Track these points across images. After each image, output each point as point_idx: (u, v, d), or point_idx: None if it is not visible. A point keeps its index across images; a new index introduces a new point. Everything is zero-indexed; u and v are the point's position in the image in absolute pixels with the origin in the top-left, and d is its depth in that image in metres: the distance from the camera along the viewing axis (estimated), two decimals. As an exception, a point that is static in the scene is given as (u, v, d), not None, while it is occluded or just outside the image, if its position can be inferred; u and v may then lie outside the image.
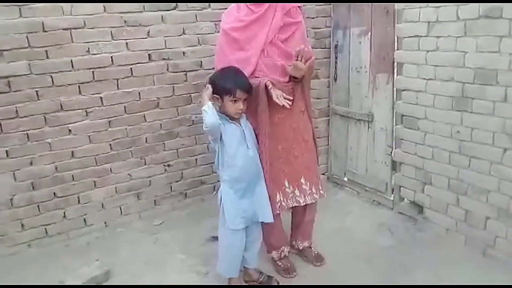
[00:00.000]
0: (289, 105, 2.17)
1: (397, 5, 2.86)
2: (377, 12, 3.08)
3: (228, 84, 2.14)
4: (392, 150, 3.16)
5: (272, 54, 2.28)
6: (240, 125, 2.23)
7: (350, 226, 3.05)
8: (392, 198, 3.25)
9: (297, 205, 2.47)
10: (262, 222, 2.34)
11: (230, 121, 2.20)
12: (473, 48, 2.44)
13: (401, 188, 3.13)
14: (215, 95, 2.17)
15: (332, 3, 3.47)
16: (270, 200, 2.33)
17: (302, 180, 2.46)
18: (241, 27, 2.27)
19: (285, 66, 2.26)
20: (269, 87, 2.19)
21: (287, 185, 2.42)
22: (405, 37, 2.85)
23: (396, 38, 2.94)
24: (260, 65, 2.27)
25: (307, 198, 2.48)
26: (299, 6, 2.38)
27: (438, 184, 2.81)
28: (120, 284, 2.50)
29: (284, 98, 2.16)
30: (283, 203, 2.42)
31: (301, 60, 2.19)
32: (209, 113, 2.08)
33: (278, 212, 2.43)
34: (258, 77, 2.26)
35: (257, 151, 2.29)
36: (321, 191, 2.53)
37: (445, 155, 2.72)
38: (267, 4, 2.24)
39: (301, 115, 2.44)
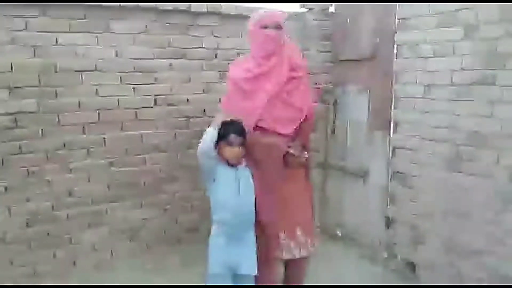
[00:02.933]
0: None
1: (395, 67, 3.01)
2: (375, 72, 3.23)
3: (222, 131, 2.25)
4: (386, 207, 3.20)
5: (277, 105, 2.38)
6: (237, 171, 2.29)
7: (341, 281, 3.01)
8: (385, 255, 3.25)
9: (292, 257, 2.46)
10: (256, 276, 2.32)
11: (228, 166, 2.28)
12: (467, 111, 2.55)
13: (394, 245, 3.14)
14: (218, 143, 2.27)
15: (333, 62, 3.63)
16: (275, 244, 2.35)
17: (298, 232, 2.46)
18: (250, 78, 2.39)
19: (290, 118, 2.38)
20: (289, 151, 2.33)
21: (283, 237, 2.43)
22: (401, 98, 2.98)
23: (393, 98, 3.07)
24: (264, 115, 2.36)
25: (301, 251, 2.46)
26: (300, 63, 2.50)
27: (431, 243, 2.83)
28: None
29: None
30: (278, 253, 2.41)
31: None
32: (205, 139, 2.20)
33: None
34: (262, 127, 2.35)
35: (251, 200, 2.31)
36: (316, 245, 2.54)
37: (438, 215, 2.76)
38: (275, 59, 2.37)
39: (300, 167, 2.50)
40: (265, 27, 2.35)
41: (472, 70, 2.50)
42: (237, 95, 2.44)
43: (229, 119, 2.30)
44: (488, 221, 2.48)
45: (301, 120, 2.46)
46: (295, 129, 2.42)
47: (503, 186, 2.39)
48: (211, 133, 2.22)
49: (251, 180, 2.35)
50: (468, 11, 2.50)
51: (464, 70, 2.55)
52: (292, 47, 2.53)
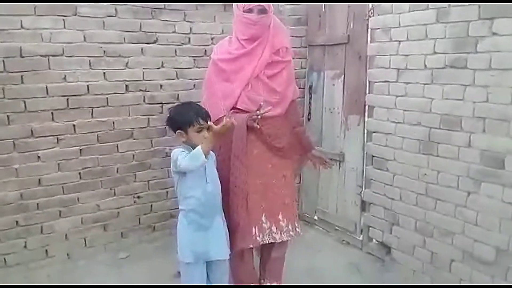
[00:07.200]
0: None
1: (369, 52, 3.00)
2: (350, 56, 3.22)
3: (188, 116, 2.16)
4: (361, 190, 3.22)
5: (257, 88, 2.37)
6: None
7: (319, 265, 3.04)
8: (361, 238, 3.28)
9: (273, 241, 2.45)
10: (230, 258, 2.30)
11: None
12: (439, 95, 2.56)
13: (370, 228, 3.17)
14: (178, 131, 2.19)
15: (307, 47, 3.60)
16: (245, 233, 2.32)
17: (280, 217, 2.45)
18: (230, 59, 2.37)
19: (268, 102, 2.33)
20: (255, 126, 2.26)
21: (264, 220, 2.41)
22: (376, 82, 2.98)
23: (367, 82, 3.07)
24: (243, 97, 2.35)
25: (283, 235, 2.45)
26: (286, 47, 2.47)
27: (405, 225, 2.87)
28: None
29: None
30: (258, 238, 2.39)
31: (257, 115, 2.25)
32: (195, 164, 2.05)
33: (251, 246, 2.42)
34: (240, 108, 2.33)
35: (217, 187, 2.28)
36: (297, 229, 2.53)
37: (412, 197, 2.79)
38: (258, 41, 2.34)
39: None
40: (249, 11, 2.30)
41: (444, 53, 2.51)
42: (217, 76, 2.41)
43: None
44: (460, 203, 2.51)
45: (283, 104, 2.44)
46: (280, 113, 2.42)
47: (474, 168, 2.41)
48: (202, 160, 2.04)
49: (215, 166, 2.31)
50: (440, -6, 2.50)
51: (436, 53, 2.55)
52: (281, 30, 2.47)
